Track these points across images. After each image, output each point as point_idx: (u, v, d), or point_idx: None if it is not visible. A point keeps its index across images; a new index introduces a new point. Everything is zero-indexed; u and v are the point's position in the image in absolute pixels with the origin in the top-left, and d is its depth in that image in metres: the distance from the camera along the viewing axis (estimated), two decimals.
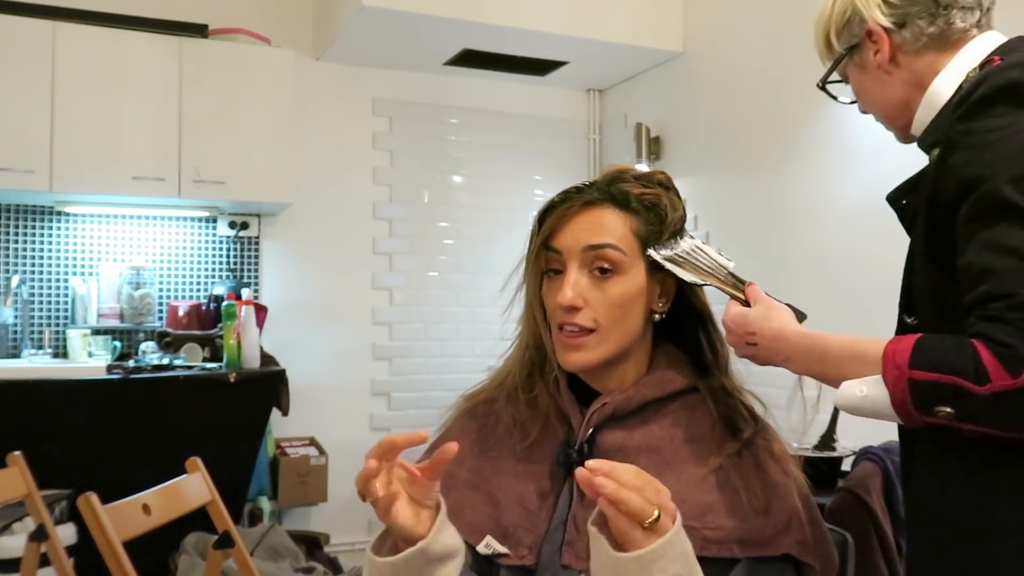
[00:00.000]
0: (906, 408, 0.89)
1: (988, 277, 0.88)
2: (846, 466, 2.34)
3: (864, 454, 2.15)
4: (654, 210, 1.05)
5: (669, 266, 1.03)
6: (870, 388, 0.91)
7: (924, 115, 1.09)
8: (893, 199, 1.09)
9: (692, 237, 1.08)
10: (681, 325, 1.10)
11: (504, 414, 1.09)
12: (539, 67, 4.05)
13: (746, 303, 1.06)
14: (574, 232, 1.03)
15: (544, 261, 1.05)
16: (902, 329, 0.98)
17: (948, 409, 0.87)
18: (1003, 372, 0.83)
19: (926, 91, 1.09)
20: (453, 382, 4.06)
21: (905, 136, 1.16)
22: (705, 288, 1.08)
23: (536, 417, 1.07)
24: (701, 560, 0.94)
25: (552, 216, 1.04)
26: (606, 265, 1.02)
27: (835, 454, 2.48)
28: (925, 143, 1.05)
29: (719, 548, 0.95)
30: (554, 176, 4.30)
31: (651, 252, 1.03)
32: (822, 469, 2.42)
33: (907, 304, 1.01)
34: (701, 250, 1.06)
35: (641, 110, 4.12)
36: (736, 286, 1.05)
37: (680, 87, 3.89)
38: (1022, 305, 0.85)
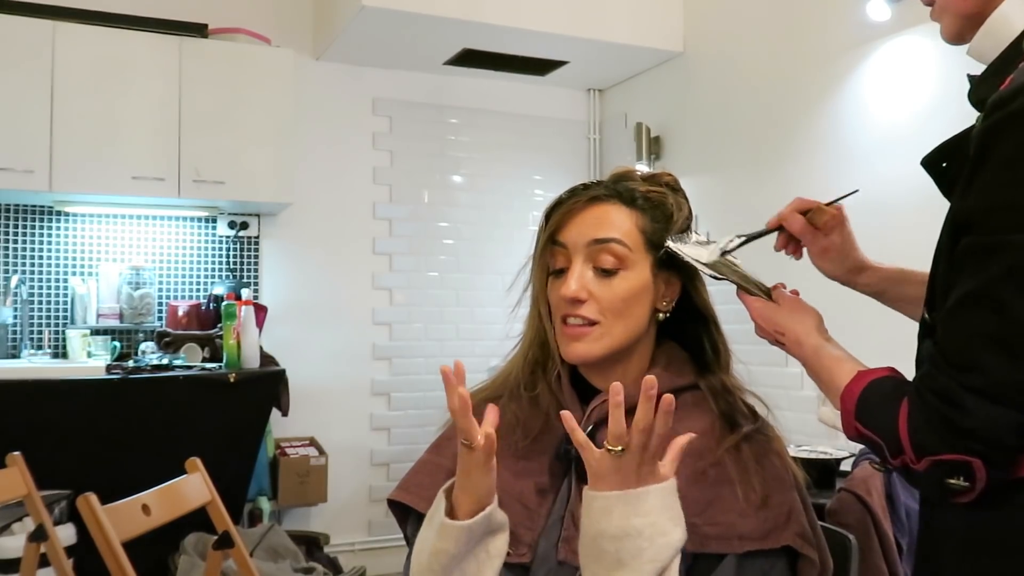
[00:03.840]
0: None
1: (946, 339, 0.79)
2: (846, 466, 2.34)
3: (864, 455, 2.15)
4: (660, 208, 1.06)
5: (688, 258, 1.03)
6: (837, 420, 0.91)
7: (984, 42, 0.88)
8: (929, 163, 0.90)
9: (697, 233, 1.09)
10: (684, 326, 1.10)
11: (506, 412, 1.09)
12: (539, 67, 4.05)
13: (759, 298, 1.05)
14: (580, 227, 1.04)
15: (550, 257, 1.06)
16: (922, 325, 0.91)
17: (879, 465, 0.87)
18: (911, 452, 0.80)
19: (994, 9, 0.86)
20: None
21: (954, 37, 0.93)
22: (709, 290, 1.09)
23: (537, 415, 1.08)
24: (703, 556, 0.95)
25: (558, 212, 1.05)
26: (611, 260, 1.02)
27: (835, 455, 2.48)
28: (975, 96, 0.87)
29: (719, 544, 0.95)
30: (554, 176, 4.30)
31: (669, 243, 1.04)
32: (822, 470, 2.43)
33: (930, 296, 0.88)
34: (719, 247, 1.07)
35: (641, 110, 4.12)
36: (751, 282, 1.05)
37: (680, 87, 3.89)
38: (943, 392, 0.78)
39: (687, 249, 1.04)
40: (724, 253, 1.05)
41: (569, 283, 1.01)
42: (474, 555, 0.95)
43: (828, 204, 1.06)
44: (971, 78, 0.90)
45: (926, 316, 0.88)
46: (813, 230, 1.07)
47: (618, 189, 1.06)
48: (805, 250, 1.11)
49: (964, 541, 0.84)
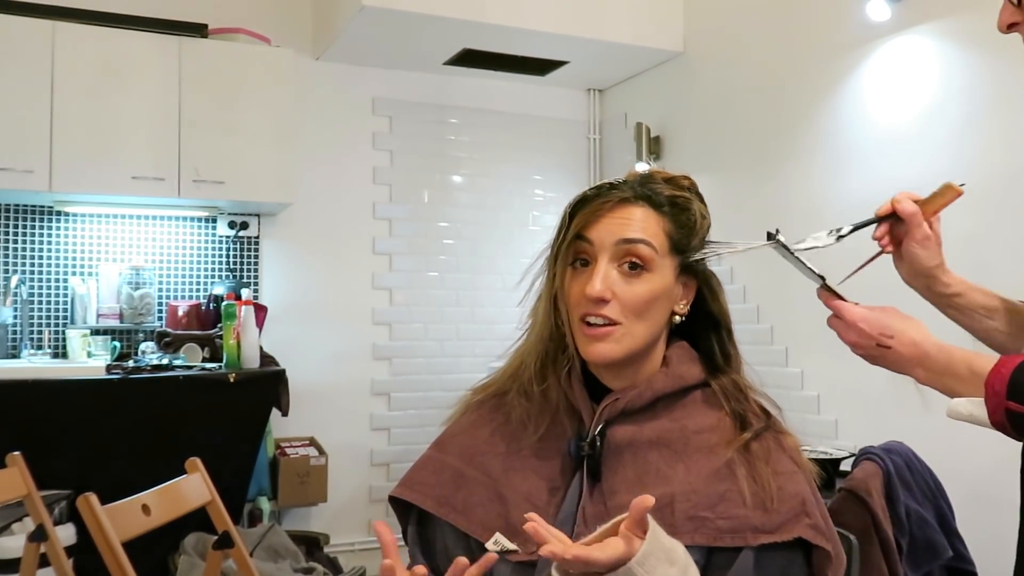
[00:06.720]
0: (1007, 432, 0.88)
1: None
2: (846, 466, 2.34)
3: (864, 454, 2.15)
4: (685, 213, 1.07)
5: (798, 251, 1.05)
6: (975, 408, 0.90)
7: None
8: None
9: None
10: (695, 329, 1.11)
11: (516, 407, 1.09)
12: (539, 67, 4.05)
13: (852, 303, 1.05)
14: (608, 225, 1.03)
15: (574, 251, 1.05)
16: None
17: None
18: None
19: None
20: (453, 382, 4.06)
21: None
22: (726, 297, 1.11)
23: (545, 411, 1.08)
24: (716, 550, 0.95)
25: (586, 209, 1.05)
26: (637, 261, 1.02)
27: (835, 455, 2.48)
28: None
29: (733, 537, 0.95)
30: (554, 176, 4.30)
31: (779, 237, 1.06)
32: (822, 470, 2.42)
33: None
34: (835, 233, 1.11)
35: (641, 110, 4.12)
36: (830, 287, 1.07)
37: (680, 87, 3.89)
38: None
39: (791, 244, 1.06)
40: (840, 237, 1.10)
41: (594, 282, 1.01)
42: None
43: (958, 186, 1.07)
44: None
45: None
46: (921, 218, 1.09)
47: (646, 192, 1.05)
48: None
49: None
